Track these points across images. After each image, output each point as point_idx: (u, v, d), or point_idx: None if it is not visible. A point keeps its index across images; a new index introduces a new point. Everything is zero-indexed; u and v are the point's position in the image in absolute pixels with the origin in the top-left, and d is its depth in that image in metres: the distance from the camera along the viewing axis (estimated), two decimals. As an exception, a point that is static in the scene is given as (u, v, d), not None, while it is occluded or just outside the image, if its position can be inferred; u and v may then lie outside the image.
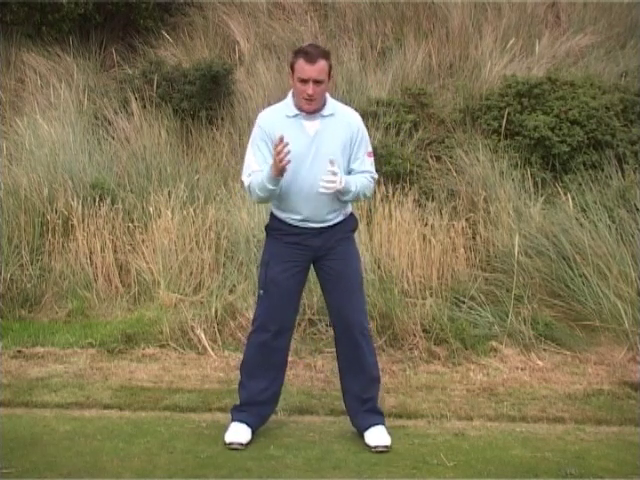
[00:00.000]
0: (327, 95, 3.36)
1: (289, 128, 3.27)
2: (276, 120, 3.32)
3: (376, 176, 3.50)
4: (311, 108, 3.28)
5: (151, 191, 5.69)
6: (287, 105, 3.35)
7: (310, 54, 3.21)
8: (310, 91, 3.21)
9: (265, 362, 3.45)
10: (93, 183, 5.74)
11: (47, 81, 7.28)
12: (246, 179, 3.36)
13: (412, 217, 5.27)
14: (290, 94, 3.36)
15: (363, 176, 3.40)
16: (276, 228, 3.45)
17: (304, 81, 3.21)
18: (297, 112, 3.31)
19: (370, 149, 3.47)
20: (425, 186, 5.86)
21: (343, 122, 3.35)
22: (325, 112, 3.33)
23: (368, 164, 3.44)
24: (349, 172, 3.39)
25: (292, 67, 3.28)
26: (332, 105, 3.37)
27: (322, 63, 3.21)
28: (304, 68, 3.20)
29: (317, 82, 3.21)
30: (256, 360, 3.46)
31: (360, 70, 7.06)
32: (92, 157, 6.14)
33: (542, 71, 6.71)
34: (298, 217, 3.36)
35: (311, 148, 3.30)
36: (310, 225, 3.36)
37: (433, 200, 5.62)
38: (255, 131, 3.37)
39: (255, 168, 3.31)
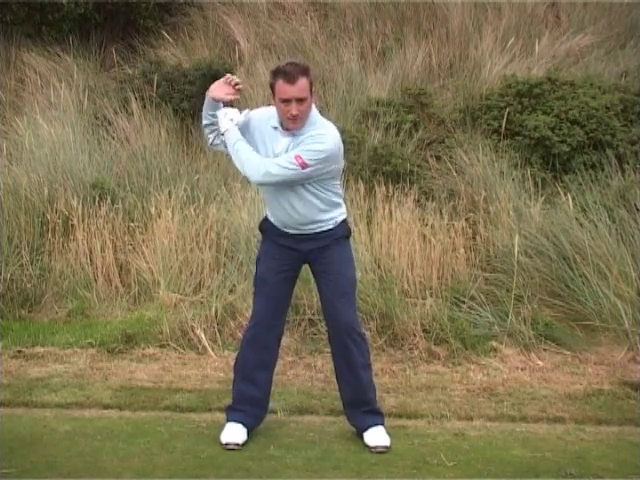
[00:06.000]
0: (313, 114, 3.27)
1: (267, 136, 3.31)
2: (263, 122, 3.34)
3: (271, 167, 3.18)
4: (296, 127, 3.23)
5: (151, 191, 5.70)
6: (274, 114, 3.31)
7: (289, 74, 3.13)
8: (294, 111, 3.16)
9: (256, 360, 3.46)
10: (93, 183, 5.74)
11: (47, 81, 7.28)
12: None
13: (412, 217, 5.27)
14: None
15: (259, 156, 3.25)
16: (267, 229, 3.50)
17: (286, 101, 3.17)
18: (277, 125, 3.29)
19: (303, 156, 3.16)
20: (425, 186, 5.86)
21: (306, 136, 3.24)
22: (300, 132, 3.25)
23: (285, 157, 3.19)
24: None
25: (272, 88, 3.22)
26: (311, 127, 3.25)
27: (303, 81, 3.15)
28: (285, 89, 3.15)
29: (300, 100, 3.16)
30: (248, 357, 3.47)
31: (360, 70, 7.06)
32: (92, 157, 6.14)
33: (542, 71, 6.71)
34: (279, 224, 3.42)
35: None
36: (295, 232, 3.40)
37: (433, 200, 5.62)
38: (247, 112, 3.39)
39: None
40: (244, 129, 3.34)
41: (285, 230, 3.42)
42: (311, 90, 3.21)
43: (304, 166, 3.18)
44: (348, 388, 3.49)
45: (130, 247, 5.45)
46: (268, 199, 3.43)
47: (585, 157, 5.88)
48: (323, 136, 3.24)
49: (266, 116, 3.36)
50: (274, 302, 3.45)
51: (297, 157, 3.18)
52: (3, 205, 5.64)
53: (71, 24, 7.54)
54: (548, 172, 5.85)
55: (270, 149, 3.30)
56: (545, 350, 4.55)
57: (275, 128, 3.30)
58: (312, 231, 3.38)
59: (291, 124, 3.23)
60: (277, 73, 3.18)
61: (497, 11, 7.65)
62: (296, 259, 3.45)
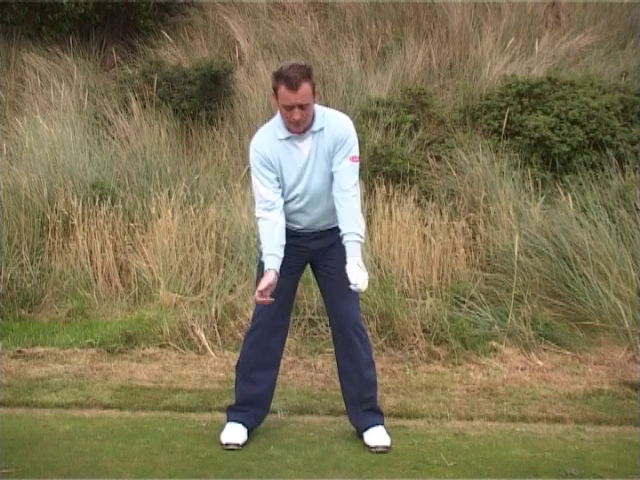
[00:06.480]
0: (315, 107, 3.29)
1: (284, 151, 3.28)
2: (270, 144, 3.30)
3: (355, 190, 3.30)
4: (300, 130, 3.24)
5: (151, 191, 5.70)
6: (278, 127, 3.29)
7: (291, 80, 3.10)
8: (297, 117, 3.16)
9: (259, 361, 3.46)
10: (93, 183, 5.74)
11: (47, 81, 7.29)
12: (259, 213, 3.32)
13: (412, 217, 5.27)
14: (279, 114, 3.28)
15: (352, 214, 3.25)
16: None
17: (289, 107, 3.16)
18: (289, 134, 3.27)
19: (354, 154, 3.29)
20: (425, 186, 5.86)
21: (330, 133, 3.27)
22: (315, 127, 3.26)
23: (348, 169, 3.27)
24: (331, 175, 3.31)
25: (275, 91, 3.20)
26: (321, 118, 3.28)
27: (305, 87, 3.12)
28: (287, 96, 3.13)
29: (302, 106, 3.15)
30: (251, 359, 3.47)
31: (360, 70, 7.06)
32: (92, 157, 6.14)
33: (542, 71, 6.71)
34: (297, 227, 3.40)
35: (307, 167, 3.29)
36: (308, 231, 3.40)
37: (433, 200, 5.62)
38: (253, 156, 3.32)
39: (264, 192, 3.27)
40: (272, 169, 3.28)
41: (295, 230, 3.39)
42: (314, 92, 3.21)
43: (358, 159, 3.32)
44: (351, 385, 3.49)
45: (130, 247, 5.45)
46: (288, 211, 3.34)
47: (585, 157, 5.88)
48: (341, 122, 3.30)
49: (269, 139, 3.30)
50: (278, 303, 3.41)
51: (353, 158, 3.27)
52: (3, 205, 5.64)
53: (71, 24, 7.53)
54: (548, 172, 5.85)
55: (295, 165, 3.27)
56: (545, 350, 4.56)
57: (287, 139, 3.27)
58: (325, 228, 3.38)
59: (294, 127, 3.23)
60: (279, 77, 3.15)
61: (497, 11, 7.65)
62: (303, 258, 3.44)
